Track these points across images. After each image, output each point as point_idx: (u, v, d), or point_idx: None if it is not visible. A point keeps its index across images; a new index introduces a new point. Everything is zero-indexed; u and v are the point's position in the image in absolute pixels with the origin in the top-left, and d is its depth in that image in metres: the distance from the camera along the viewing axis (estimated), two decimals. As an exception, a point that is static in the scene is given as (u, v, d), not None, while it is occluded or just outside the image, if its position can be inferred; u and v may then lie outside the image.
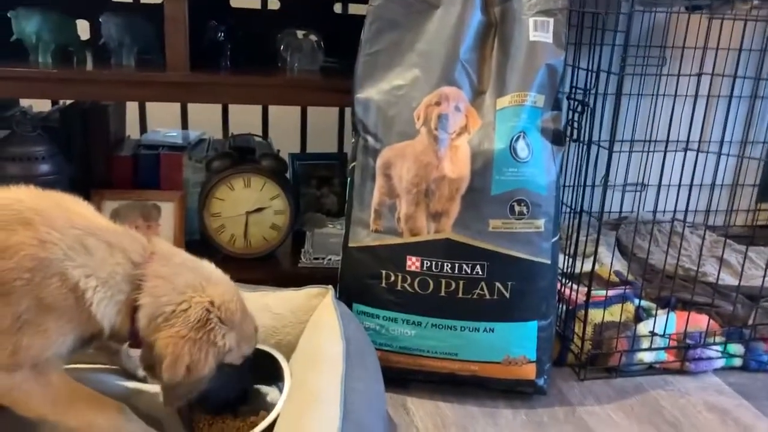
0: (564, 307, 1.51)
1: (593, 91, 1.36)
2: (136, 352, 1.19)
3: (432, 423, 1.26)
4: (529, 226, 1.29)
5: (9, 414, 0.98)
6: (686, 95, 1.47)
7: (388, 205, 1.31)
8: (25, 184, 1.44)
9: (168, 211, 1.67)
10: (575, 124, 1.41)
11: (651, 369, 1.48)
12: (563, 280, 1.52)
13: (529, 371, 1.32)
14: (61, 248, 0.92)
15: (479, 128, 1.28)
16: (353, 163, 1.36)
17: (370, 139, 1.32)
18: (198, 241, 1.70)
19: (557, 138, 1.32)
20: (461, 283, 1.29)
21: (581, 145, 1.41)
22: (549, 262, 1.31)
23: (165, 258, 1.01)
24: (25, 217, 0.93)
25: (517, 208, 1.28)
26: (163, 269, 0.99)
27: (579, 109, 1.40)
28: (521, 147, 1.27)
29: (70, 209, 0.99)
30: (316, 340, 1.21)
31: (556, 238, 1.33)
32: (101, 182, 1.67)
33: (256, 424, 1.12)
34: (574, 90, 1.43)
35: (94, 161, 1.67)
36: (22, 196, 0.97)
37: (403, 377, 1.36)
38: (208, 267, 1.07)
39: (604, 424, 1.28)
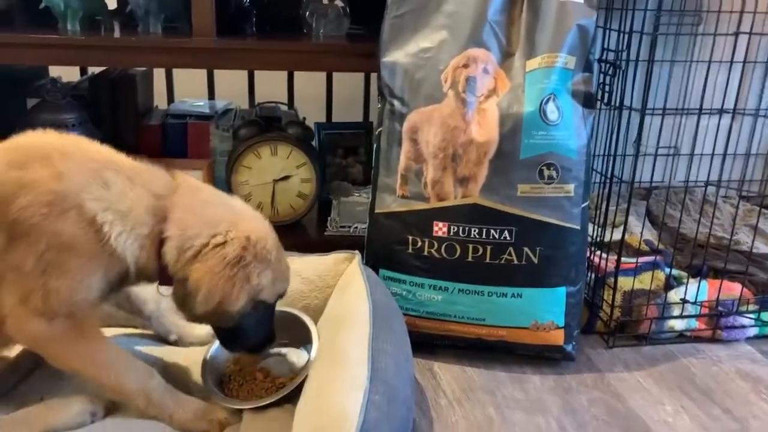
0: (593, 275, 1.49)
1: (625, 53, 1.32)
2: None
3: (459, 387, 1.26)
4: (559, 190, 1.27)
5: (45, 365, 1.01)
6: (721, 61, 1.43)
7: (415, 171, 1.30)
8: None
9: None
10: (606, 88, 1.38)
11: (681, 337, 1.46)
12: (592, 249, 1.50)
13: (557, 337, 1.31)
14: (77, 181, 0.92)
15: (508, 91, 1.26)
16: (379, 129, 1.35)
17: (396, 103, 1.30)
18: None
19: (588, 101, 1.29)
20: (489, 248, 1.28)
21: (612, 109, 1.38)
22: (578, 227, 1.29)
23: (191, 191, 1.00)
24: (42, 153, 0.93)
25: (546, 173, 1.26)
26: (189, 201, 0.98)
27: (610, 71, 1.37)
28: (551, 109, 1.24)
29: (89, 147, 0.99)
30: (344, 304, 1.21)
31: (585, 204, 1.31)
32: (130, 151, 1.67)
33: (284, 385, 1.14)
34: (605, 52, 1.39)
35: (122, 130, 1.69)
36: (41, 136, 0.98)
37: (429, 342, 1.36)
38: (239, 202, 1.06)
39: (634, 391, 1.27)
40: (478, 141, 1.25)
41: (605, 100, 1.38)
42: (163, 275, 0.99)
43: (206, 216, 0.97)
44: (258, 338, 1.09)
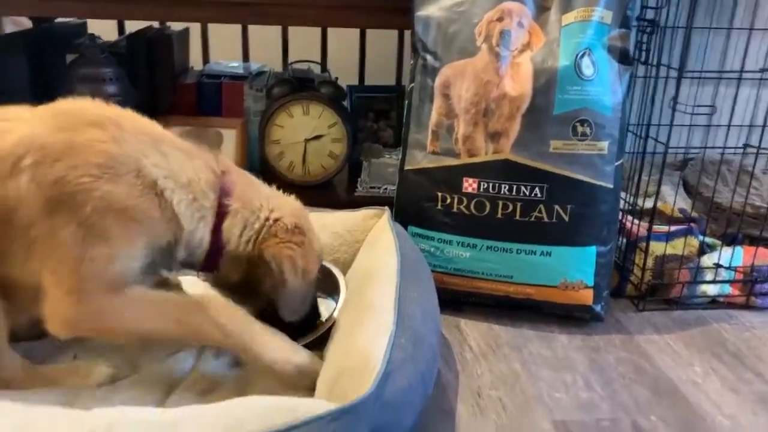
0: (624, 240, 1.47)
1: (665, 9, 1.29)
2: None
3: (485, 343, 1.26)
4: (592, 148, 1.25)
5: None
6: (765, 29, 1.38)
7: (446, 126, 1.30)
8: (94, 104, 1.50)
9: (230, 138, 1.70)
10: (644, 47, 1.35)
11: (714, 303, 1.43)
12: (624, 215, 1.48)
13: (586, 297, 1.30)
14: (134, 147, 0.88)
15: (543, 45, 1.24)
16: (411, 85, 1.35)
17: (429, 57, 1.30)
18: (258, 172, 1.72)
19: (625, 57, 1.27)
20: (519, 205, 1.28)
21: (649, 69, 1.35)
22: (611, 186, 1.28)
23: (237, 170, 1.01)
24: (93, 119, 0.89)
25: (579, 129, 1.24)
26: (242, 180, 0.99)
27: (648, 29, 1.34)
28: (586, 64, 1.23)
29: (141, 119, 0.96)
30: (372, 256, 1.22)
31: (619, 162, 1.29)
32: (166, 108, 1.71)
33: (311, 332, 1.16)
34: (644, 10, 1.37)
35: (158, 88, 1.72)
36: (89, 103, 0.94)
37: (457, 299, 1.36)
38: (274, 191, 1.07)
39: (663, 353, 1.26)
40: (510, 95, 1.24)
41: (642, 59, 1.35)
42: (210, 258, 0.96)
43: (260, 192, 1.00)
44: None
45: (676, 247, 1.46)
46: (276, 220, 0.98)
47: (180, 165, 0.91)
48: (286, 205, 1.02)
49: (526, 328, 1.32)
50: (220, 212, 0.95)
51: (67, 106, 0.93)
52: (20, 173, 0.84)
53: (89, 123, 0.88)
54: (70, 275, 0.85)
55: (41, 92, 1.58)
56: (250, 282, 1.01)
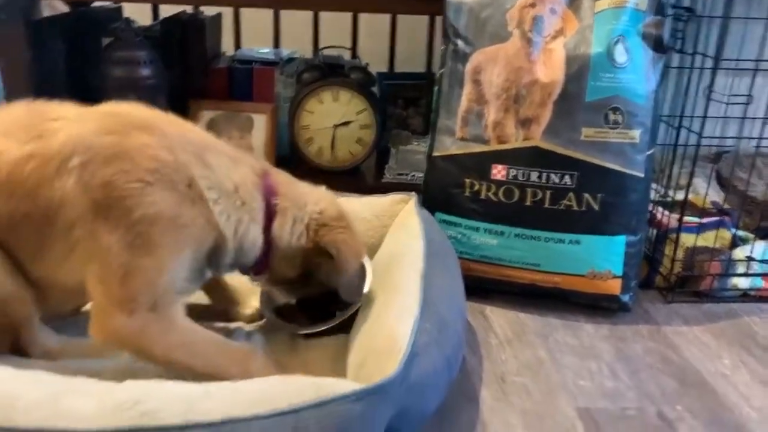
0: (654, 231, 1.46)
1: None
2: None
3: (511, 330, 1.26)
4: (624, 136, 1.24)
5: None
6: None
7: (476, 112, 1.30)
8: (128, 86, 1.53)
9: (260, 123, 1.72)
10: (679, 34, 1.33)
11: (745, 296, 1.41)
12: (655, 206, 1.46)
13: (614, 286, 1.29)
14: (184, 155, 0.88)
15: (576, 31, 1.23)
16: (441, 70, 1.34)
17: (460, 43, 1.30)
18: (286, 157, 1.74)
19: (659, 45, 1.25)
20: (548, 193, 1.27)
21: (684, 56, 1.33)
22: (642, 175, 1.26)
23: (277, 171, 1.02)
24: (140, 124, 0.88)
25: (611, 117, 1.23)
26: (283, 177, 1.00)
27: (684, 17, 1.32)
28: (620, 51, 1.21)
29: (182, 124, 0.95)
30: (398, 241, 1.23)
31: (651, 152, 1.27)
32: (198, 92, 1.73)
33: (334, 314, 1.17)
34: (680, -3, 1.35)
35: (191, 72, 1.73)
36: (133, 107, 0.93)
37: (483, 287, 1.36)
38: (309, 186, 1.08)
39: (691, 344, 1.24)
40: (542, 82, 1.23)
41: (677, 47, 1.33)
42: (263, 259, 0.97)
43: (301, 188, 1.02)
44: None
45: (708, 239, 1.44)
46: (321, 212, 1.00)
47: (226, 172, 0.91)
48: (324, 197, 1.04)
49: (552, 317, 1.31)
50: (269, 212, 0.96)
51: (112, 108, 0.93)
52: (67, 174, 0.84)
53: (137, 127, 0.87)
54: (119, 286, 0.84)
55: (77, 75, 1.61)
56: (305, 274, 1.03)
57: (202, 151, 0.90)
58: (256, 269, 1.00)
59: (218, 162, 0.91)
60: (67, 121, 0.88)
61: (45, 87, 1.57)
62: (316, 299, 1.11)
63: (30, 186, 0.85)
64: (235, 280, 1.19)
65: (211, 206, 0.89)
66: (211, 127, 1.72)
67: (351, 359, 1.02)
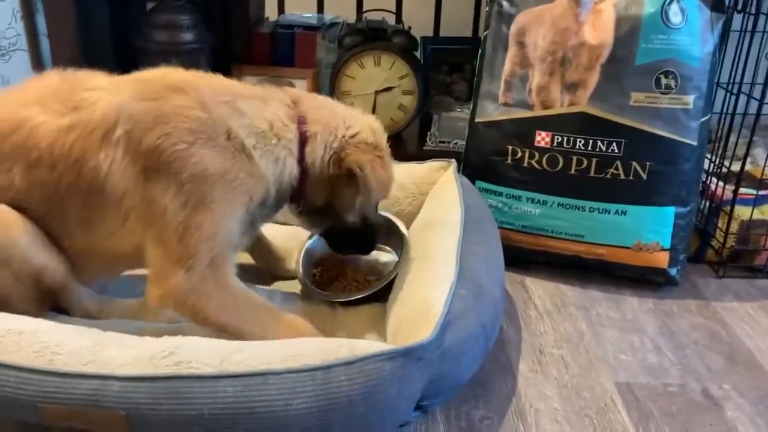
0: (707, 203, 1.39)
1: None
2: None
3: (551, 302, 1.23)
4: (676, 101, 1.18)
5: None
6: None
7: (520, 76, 1.25)
8: (172, 51, 1.53)
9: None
10: (741, -7, 1.25)
11: (804, 273, 1.34)
12: (709, 177, 1.40)
13: (662, 259, 1.24)
14: (219, 109, 0.90)
15: (627, -10, 1.16)
16: (485, 32, 1.30)
17: (505, 3, 1.25)
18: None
19: (718, 4, 1.17)
20: (594, 161, 1.22)
21: (746, 17, 1.25)
22: (695, 143, 1.20)
23: (310, 97, 1.01)
24: (174, 85, 0.90)
25: (663, 81, 1.17)
26: (315, 104, 0.99)
27: (748, -26, 1.23)
28: (674, 11, 1.14)
29: (210, 78, 0.96)
30: (435, 208, 1.21)
31: (705, 118, 1.21)
32: (240, 57, 1.73)
33: (369, 283, 1.16)
34: (743, -48, 1.26)
35: (234, 37, 1.73)
36: (164, 71, 0.95)
37: (523, 258, 1.32)
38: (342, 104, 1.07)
39: (742, 321, 1.19)
40: (590, 44, 1.17)
41: (738, 7, 1.25)
42: (299, 187, 0.98)
43: (335, 112, 1.00)
44: (371, 237, 1.10)
45: (765, 212, 1.37)
46: (354, 135, 0.98)
47: (259, 113, 0.93)
48: (365, 122, 1.01)
49: (594, 289, 1.27)
50: (302, 140, 0.96)
51: (143, 74, 0.94)
52: (113, 145, 0.86)
53: (171, 89, 0.89)
54: (178, 244, 0.86)
55: (122, 39, 1.63)
56: (333, 202, 1.02)
57: (234, 99, 0.92)
58: (292, 198, 1.01)
59: (250, 106, 0.93)
60: (102, 91, 0.89)
61: (90, 51, 1.59)
62: (343, 235, 1.08)
63: (74, 157, 0.86)
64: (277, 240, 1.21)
65: (253, 153, 0.91)
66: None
67: (389, 326, 1.02)
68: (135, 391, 0.74)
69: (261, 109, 0.94)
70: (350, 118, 1.00)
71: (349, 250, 1.14)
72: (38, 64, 1.78)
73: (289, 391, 0.74)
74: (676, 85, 1.17)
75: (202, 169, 0.86)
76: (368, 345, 0.79)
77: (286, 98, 0.98)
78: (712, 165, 1.39)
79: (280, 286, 1.18)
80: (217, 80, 0.97)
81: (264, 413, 0.73)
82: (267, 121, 0.93)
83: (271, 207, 0.99)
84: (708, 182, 1.39)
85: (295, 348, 0.79)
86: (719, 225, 1.35)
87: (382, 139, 1.02)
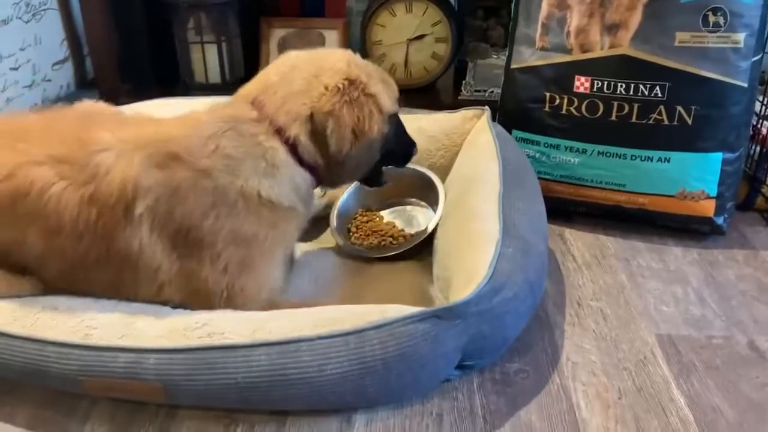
0: (758, 148, 1.32)
1: None
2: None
3: (590, 253, 1.20)
4: (725, 40, 1.11)
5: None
6: None
7: (557, 18, 1.19)
8: (200, 4, 1.51)
9: (332, 39, 1.67)
10: None
11: None
12: (760, 120, 1.32)
13: (707, 208, 1.19)
14: (218, 166, 0.86)
15: None
16: (521, -27, 1.24)
17: (541, -59, 1.18)
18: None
19: (773, -68, 1.09)
20: (636, 106, 1.16)
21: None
22: (745, 85, 1.13)
23: (267, 87, 0.93)
24: (168, 152, 0.86)
25: (711, 19, 1.10)
26: (275, 97, 0.92)
27: None
28: (724, -58, 1.06)
29: (191, 121, 0.91)
30: (471, 161, 1.18)
31: (757, 58, 1.14)
32: (269, 9, 1.70)
33: (405, 239, 1.14)
34: None
35: (262, -12, 1.70)
36: (156, 126, 0.91)
37: (563, 209, 1.29)
38: (316, 53, 0.99)
39: (793, 271, 1.14)
40: (632, -19, 1.11)
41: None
42: (311, 169, 0.95)
43: (292, 81, 0.92)
44: (406, 149, 1.07)
45: (820, 156, 1.30)
46: (322, 94, 0.91)
47: (245, 151, 0.89)
48: (325, 73, 0.92)
49: (636, 240, 1.23)
50: (292, 148, 0.92)
51: (142, 127, 0.90)
52: (137, 222, 0.84)
53: (169, 157, 0.86)
54: (227, 305, 0.87)
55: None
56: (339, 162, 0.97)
57: (216, 144, 0.88)
58: (316, 186, 0.99)
59: (233, 145, 0.88)
60: (112, 155, 0.85)
61: (120, 9, 1.59)
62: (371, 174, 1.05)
63: (101, 232, 0.84)
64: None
65: (271, 196, 0.89)
66: (282, 46, 1.69)
67: (433, 290, 1.02)
68: (170, 363, 0.75)
69: (244, 144, 0.89)
70: (312, 79, 0.92)
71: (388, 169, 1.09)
72: (69, 23, 1.79)
73: (322, 356, 0.74)
74: (725, 23, 1.09)
75: (234, 238, 0.87)
76: (399, 308, 0.79)
77: (245, 111, 0.92)
78: (763, 108, 1.31)
79: (315, 244, 1.18)
80: (189, 117, 0.92)
81: (298, 379, 0.74)
82: (259, 155, 0.89)
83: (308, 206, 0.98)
84: (759, 126, 1.32)
85: (326, 314, 0.79)
86: (770, 171, 1.29)
87: (353, 69, 0.93)
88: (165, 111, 1.32)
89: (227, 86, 1.62)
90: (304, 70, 0.93)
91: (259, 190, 0.89)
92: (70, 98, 1.81)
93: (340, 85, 0.91)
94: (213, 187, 0.86)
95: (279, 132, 0.91)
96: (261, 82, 0.95)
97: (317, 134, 0.92)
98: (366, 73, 0.95)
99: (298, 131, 0.91)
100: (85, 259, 0.85)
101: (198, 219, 0.85)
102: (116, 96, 1.63)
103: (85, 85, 1.88)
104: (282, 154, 0.91)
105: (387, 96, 0.98)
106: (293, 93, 0.92)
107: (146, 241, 0.84)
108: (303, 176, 0.95)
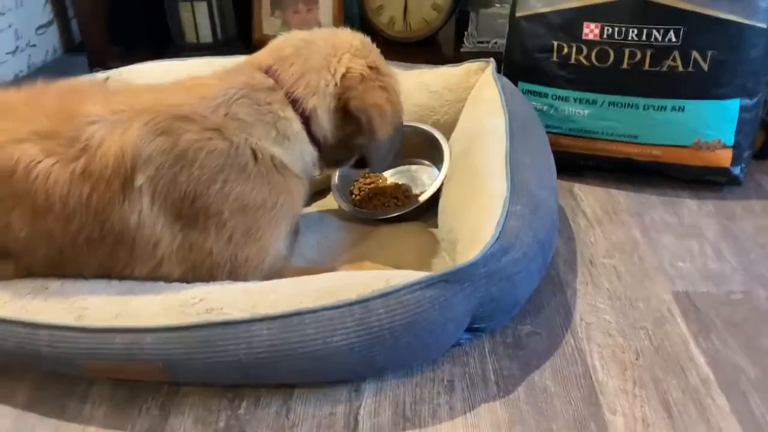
0: (775, 92, 1.27)
1: None
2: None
3: (601, 209, 1.16)
4: (744, -22, 1.04)
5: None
6: None
7: (565, -39, 1.13)
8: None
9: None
10: None
11: None
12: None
13: (724, 158, 1.15)
14: (231, 129, 0.83)
15: None
16: None
17: None
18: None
19: None
20: (649, 53, 1.11)
21: None
22: (764, 26, 1.07)
23: (281, 59, 0.90)
24: (175, 114, 0.81)
25: (729, -45, 1.03)
26: (292, 69, 0.89)
27: None
28: None
29: (187, 84, 0.88)
30: (476, 117, 1.12)
31: (778, -4, 1.07)
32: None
33: (410, 199, 1.10)
34: None
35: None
36: (154, 91, 0.86)
37: (572, 163, 1.24)
38: (321, 31, 0.96)
39: (812, 221, 1.10)
40: None
41: None
42: (319, 149, 0.93)
43: (311, 62, 0.89)
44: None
45: (841, 100, 1.24)
46: (345, 73, 0.90)
47: (259, 118, 0.85)
48: (346, 53, 0.91)
49: (649, 194, 1.19)
50: (305, 121, 0.89)
51: (137, 95, 0.85)
52: (136, 194, 0.78)
53: (175, 119, 0.81)
54: (230, 277, 0.84)
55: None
56: (346, 144, 0.95)
57: (228, 106, 0.84)
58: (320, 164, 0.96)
59: (246, 110, 0.85)
60: (105, 125, 0.79)
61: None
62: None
63: (94, 210, 0.78)
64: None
65: (284, 161, 0.86)
66: (276, 3, 1.63)
67: (439, 252, 0.99)
68: (168, 342, 0.72)
69: (257, 110, 0.86)
70: (332, 57, 0.90)
71: (383, 167, 1.10)
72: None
73: (327, 328, 0.71)
74: (744, -41, 1.03)
75: (241, 205, 0.82)
76: (404, 274, 0.75)
77: (260, 77, 0.88)
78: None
79: (317, 207, 1.14)
80: (193, 82, 0.88)
81: (304, 353, 0.71)
82: (271, 123, 0.86)
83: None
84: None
85: (329, 284, 0.75)
86: (789, 117, 1.24)
87: (376, 57, 0.94)
88: (159, 75, 1.28)
89: (219, 46, 1.57)
90: (320, 46, 0.91)
91: (272, 153, 0.85)
92: (57, 64, 1.76)
93: (365, 74, 0.90)
94: (224, 147, 0.81)
95: (294, 103, 0.88)
96: (273, 52, 0.92)
97: (339, 112, 0.90)
98: (378, 56, 0.95)
99: (317, 103, 0.88)
100: (75, 240, 0.79)
101: (204, 185, 0.80)
102: (106, 60, 1.58)
103: (72, 49, 1.81)
104: (296, 125, 0.88)
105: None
106: (312, 67, 0.89)
107: (146, 214, 0.79)
108: (311, 152, 0.91)
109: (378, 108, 0.90)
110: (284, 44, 0.92)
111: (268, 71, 0.89)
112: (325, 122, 0.90)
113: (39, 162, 0.77)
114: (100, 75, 1.28)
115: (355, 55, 0.91)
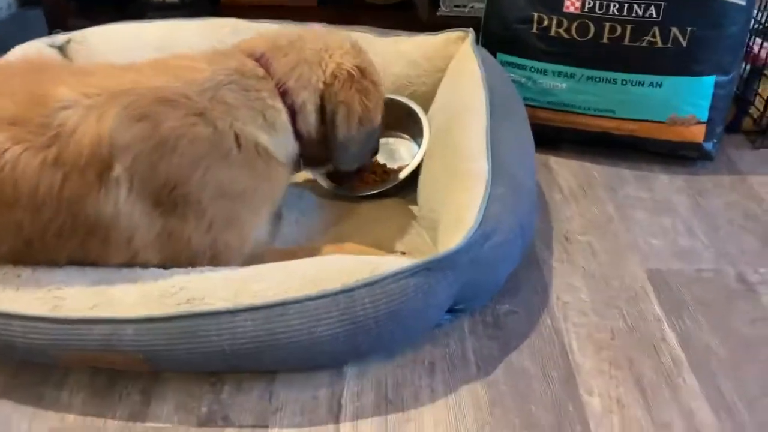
0: (747, 66, 1.28)
1: None
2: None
3: (576, 183, 1.17)
4: (726, -46, 1.04)
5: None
6: None
7: (548, -70, 1.10)
8: None
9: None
10: None
11: None
12: (752, 38, 1.27)
13: (697, 133, 1.16)
14: (214, 113, 0.80)
15: None
16: None
17: None
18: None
19: None
20: (629, 27, 1.10)
21: None
22: (743, 2, 1.07)
23: (275, 48, 0.89)
24: (157, 97, 0.77)
25: (713, -69, 1.02)
26: (284, 59, 0.88)
27: None
28: None
29: (185, 62, 0.85)
30: (456, 91, 1.11)
31: (758, -27, 1.07)
32: None
33: (389, 175, 1.09)
34: None
35: None
36: (131, 73, 0.81)
37: (549, 136, 1.24)
38: (323, 32, 0.96)
39: (779, 196, 1.13)
40: None
41: None
42: (301, 144, 0.91)
43: (302, 55, 0.89)
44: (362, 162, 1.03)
45: (811, 75, 1.26)
46: (335, 69, 0.89)
47: (246, 103, 0.83)
48: (336, 52, 0.91)
49: (623, 168, 1.20)
50: (291, 113, 0.88)
51: (114, 77, 0.79)
52: (113, 184, 0.74)
53: (157, 102, 0.77)
54: (211, 262, 0.82)
55: None
56: (326, 143, 0.93)
57: (214, 89, 0.81)
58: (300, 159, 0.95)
59: (233, 95, 0.83)
60: (79, 110, 0.74)
61: None
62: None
63: (66, 201, 0.74)
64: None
65: (268, 148, 0.85)
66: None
67: (418, 229, 0.99)
68: (149, 334, 0.71)
69: (245, 95, 0.84)
70: (322, 52, 0.90)
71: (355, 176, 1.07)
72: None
73: (311, 318, 0.71)
74: (727, -65, 1.02)
75: (222, 192, 0.80)
76: (390, 262, 0.75)
77: (250, 64, 0.86)
78: (755, 24, 1.26)
79: (295, 184, 1.12)
80: (178, 63, 0.84)
81: (288, 343, 0.71)
82: (258, 110, 0.84)
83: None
84: (751, 43, 1.27)
85: (312, 271, 0.74)
86: (759, 91, 1.25)
87: (366, 60, 0.93)
88: (127, 41, 1.21)
89: (186, 6, 1.50)
90: (313, 42, 0.90)
91: (257, 139, 0.84)
92: (13, 20, 1.66)
93: (354, 73, 0.89)
94: (207, 134, 0.79)
95: (284, 95, 0.86)
96: (265, 41, 0.90)
97: (323, 110, 0.89)
98: (368, 60, 0.94)
99: (307, 98, 0.88)
100: (45, 232, 0.76)
101: (186, 173, 0.77)
102: (64, 17, 1.50)
103: (28, 4, 1.71)
104: (283, 116, 0.87)
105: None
106: (305, 60, 0.88)
107: (122, 204, 0.75)
108: (294, 146, 0.90)
109: (347, 106, 0.89)
110: (278, 34, 0.91)
111: (260, 59, 0.87)
112: (311, 118, 0.89)
113: (6, 150, 0.72)
114: (61, 37, 1.22)
115: (347, 53, 0.91)
